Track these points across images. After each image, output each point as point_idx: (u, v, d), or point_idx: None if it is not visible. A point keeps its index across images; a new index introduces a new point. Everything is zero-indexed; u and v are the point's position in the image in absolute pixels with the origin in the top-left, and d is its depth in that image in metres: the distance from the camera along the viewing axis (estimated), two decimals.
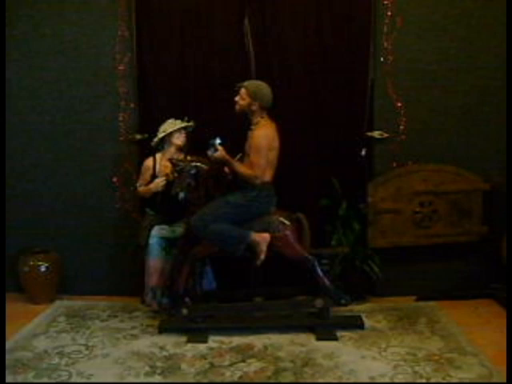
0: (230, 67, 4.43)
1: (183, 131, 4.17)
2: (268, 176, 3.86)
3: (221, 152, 3.78)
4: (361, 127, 4.43)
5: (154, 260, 4.13)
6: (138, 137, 4.50)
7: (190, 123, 4.18)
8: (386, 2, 4.28)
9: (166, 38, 4.45)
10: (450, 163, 4.38)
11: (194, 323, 3.94)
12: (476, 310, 4.28)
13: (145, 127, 4.50)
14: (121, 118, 4.52)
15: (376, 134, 4.41)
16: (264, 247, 3.82)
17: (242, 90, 3.85)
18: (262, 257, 3.83)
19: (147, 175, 4.23)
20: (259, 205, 3.87)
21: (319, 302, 3.93)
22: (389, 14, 4.29)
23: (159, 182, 4.11)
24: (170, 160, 4.05)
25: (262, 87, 3.85)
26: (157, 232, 4.15)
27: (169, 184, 4.06)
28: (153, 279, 4.13)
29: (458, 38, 4.35)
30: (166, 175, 4.08)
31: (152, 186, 4.15)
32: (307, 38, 4.41)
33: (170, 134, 4.13)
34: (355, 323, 3.98)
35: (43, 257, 4.56)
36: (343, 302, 3.96)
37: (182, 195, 3.94)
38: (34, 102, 4.57)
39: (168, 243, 4.14)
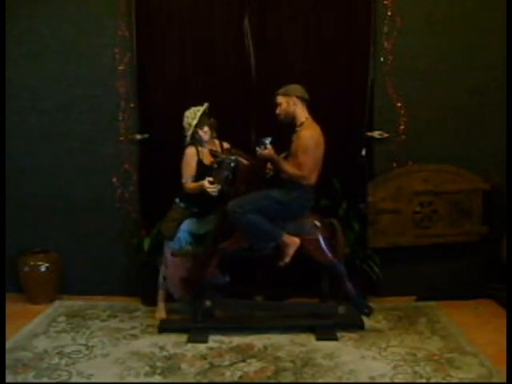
0: (230, 67, 4.43)
1: (205, 127, 4.02)
2: (313, 178, 3.83)
3: (269, 150, 3.77)
4: (361, 127, 4.43)
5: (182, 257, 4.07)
6: (138, 137, 4.50)
7: (205, 106, 4.02)
8: (386, 2, 4.28)
9: (165, 37, 4.45)
10: (450, 163, 4.38)
11: (194, 323, 3.95)
12: (476, 309, 4.29)
13: (145, 127, 4.51)
14: (121, 118, 4.51)
15: (376, 134, 4.41)
16: (292, 251, 3.81)
17: (277, 98, 3.87)
18: (287, 260, 3.82)
19: (193, 164, 4.02)
20: (299, 206, 3.85)
21: (342, 309, 3.94)
22: (389, 13, 4.29)
23: (209, 188, 3.86)
24: (211, 151, 3.99)
25: (291, 84, 3.89)
26: (187, 226, 4.08)
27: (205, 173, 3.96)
28: (177, 274, 4.05)
29: (458, 38, 4.35)
30: (215, 179, 3.87)
31: (201, 183, 3.89)
32: (307, 37, 4.41)
33: (195, 130, 4.00)
34: (355, 323, 3.99)
35: (43, 257, 4.56)
36: (366, 310, 3.96)
37: (218, 187, 3.87)
38: (33, 102, 4.57)
39: (194, 239, 4.10)
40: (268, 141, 3.78)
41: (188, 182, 4.01)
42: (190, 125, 3.98)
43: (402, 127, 4.40)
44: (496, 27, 4.31)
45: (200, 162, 4.04)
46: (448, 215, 4.40)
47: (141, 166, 4.56)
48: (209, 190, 3.86)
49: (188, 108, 4.03)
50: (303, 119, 3.85)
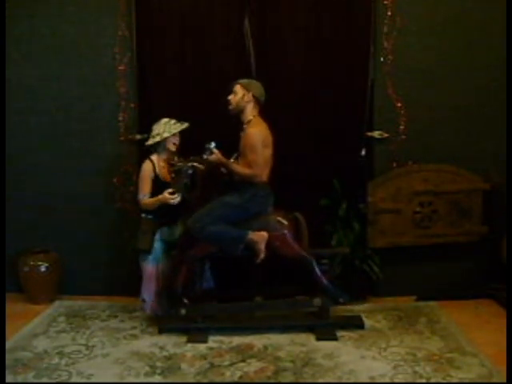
0: (230, 67, 4.43)
1: (177, 138, 4.08)
2: (265, 175, 3.87)
3: (216, 155, 3.82)
4: (361, 127, 4.43)
5: (159, 265, 4.07)
6: (138, 137, 4.50)
7: (185, 125, 4.08)
8: (386, 2, 4.28)
9: (166, 38, 4.45)
10: (450, 163, 4.38)
11: (194, 323, 3.95)
12: (476, 309, 4.29)
13: (145, 127, 4.49)
14: (121, 118, 4.52)
15: (376, 134, 4.41)
16: (262, 246, 3.82)
17: (236, 86, 3.90)
18: (262, 255, 3.84)
19: (149, 180, 4.06)
20: (256, 204, 3.87)
21: (317, 301, 3.94)
22: (389, 13, 4.29)
23: (170, 198, 3.89)
24: (167, 161, 4.04)
25: (254, 81, 3.95)
26: (159, 235, 4.09)
27: (166, 186, 4.00)
28: (159, 284, 4.06)
29: (458, 38, 4.35)
30: (174, 188, 3.92)
31: (160, 198, 3.94)
32: (307, 37, 4.41)
33: (166, 138, 4.04)
34: (355, 323, 3.99)
35: (43, 257, 4.56)
36: (341, 300, 3.96)
37: (179, 196, 3.91)
38: (33, 102, 4.57)
39: (168, 246, 4.11)
40: (212, 145, 3.81)
41: (144, 198, 4.05)
42: (159, 135, 3.99)
43: (402, 127, 4.40)
44: (496, 27, 4.31)
45: (156, 177, 4.06)
46: (448, 215, 4.39)
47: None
48: (170, 201, 3.89)
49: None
50: (251, 117, 3.88)
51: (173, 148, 4.09)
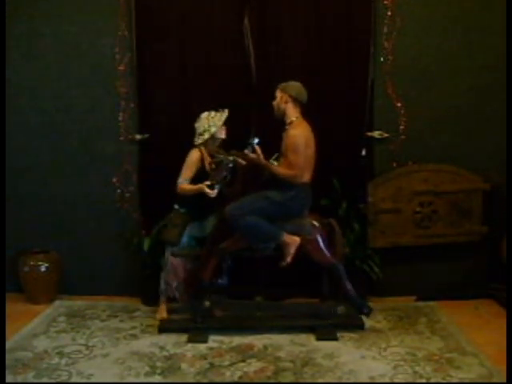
0: (230, 67, 4.43)
1: (223, 127, 4.03)
2: (306, 176, 3.85)
3: (257, 155, 3.76)
4: (361, 127, 4.43)
5: (183, 258, 4.08)
6: (138, 137, 4.50)
7: (226, 113, 4.02)
8: (386, 2, 4.29)
9: (166, 38, 4.45)
10: (450, 163, 4.38)
11: (194, 323, 3.95)
12: (476, 310, 4.29)
13: (145, 127, 4.51)
14: (121, 118, 4.52)
15: (376, 134, 4.41)
16: (293, 250, 3.80)
17: (276, 90, 3.88)
18: (289, 259, 3.81)
19: (194, 168, 3.99)
20: (296, 205, 3.85)
21: (341, 309, 3.95)
22: (389, 13, 4.29)
23: (208, 192, 3.84)
24: (210, 152, 4.00)
25: (292, 82, 3.90)
26: (188, 231, 4.06)
27: (204, 177, 3.93)
28: (180, 276, 4.07)
29: (458, 38, 4.35)
30: (213, 180, 3.84)
31: (199, 187, 3.87)
32: (307, 37, 4.41)
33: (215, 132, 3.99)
34: (355, 323, 3.99)
35: (43, 257, 4.56)
36: (365, 311, 3.95)
37: (217, 189, 3.84)
38: (33, 101, 4.57)
39: (196, 242, 4.10)
40: (255, 141, 3.78)
41: (183, 183, 4.00)
42: (208, 131, 3.95)
43: (401, 127, 4.40)
44: (496, 27, 4.31)
45: (203, 168, 4.02)
46: (448, 215, 4.40)
47: (141, 166, 4.55)
48: (208, 194, 3.85)
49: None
50: (293, 118, 3.85)
51: (224, 136, 4.03)
